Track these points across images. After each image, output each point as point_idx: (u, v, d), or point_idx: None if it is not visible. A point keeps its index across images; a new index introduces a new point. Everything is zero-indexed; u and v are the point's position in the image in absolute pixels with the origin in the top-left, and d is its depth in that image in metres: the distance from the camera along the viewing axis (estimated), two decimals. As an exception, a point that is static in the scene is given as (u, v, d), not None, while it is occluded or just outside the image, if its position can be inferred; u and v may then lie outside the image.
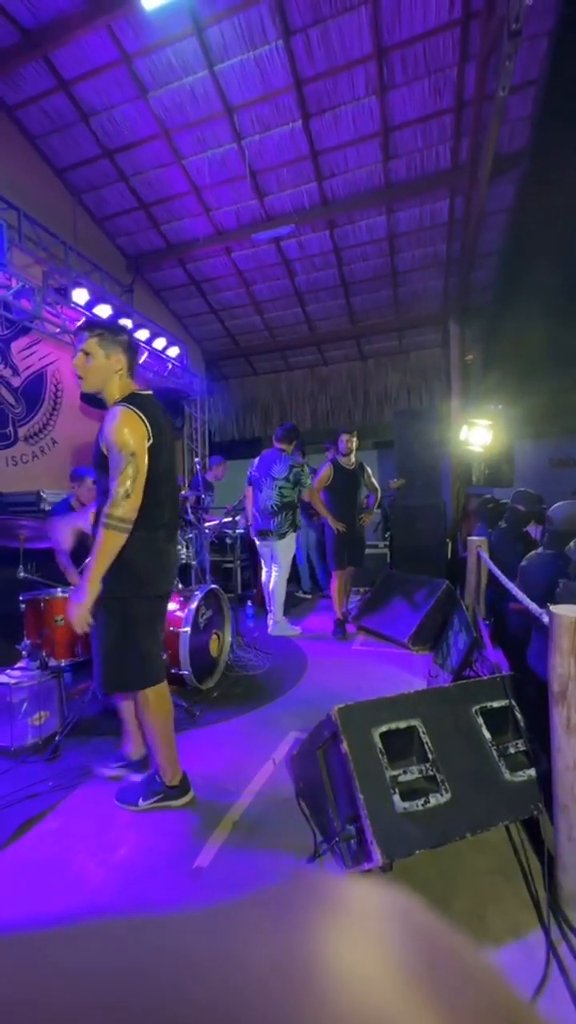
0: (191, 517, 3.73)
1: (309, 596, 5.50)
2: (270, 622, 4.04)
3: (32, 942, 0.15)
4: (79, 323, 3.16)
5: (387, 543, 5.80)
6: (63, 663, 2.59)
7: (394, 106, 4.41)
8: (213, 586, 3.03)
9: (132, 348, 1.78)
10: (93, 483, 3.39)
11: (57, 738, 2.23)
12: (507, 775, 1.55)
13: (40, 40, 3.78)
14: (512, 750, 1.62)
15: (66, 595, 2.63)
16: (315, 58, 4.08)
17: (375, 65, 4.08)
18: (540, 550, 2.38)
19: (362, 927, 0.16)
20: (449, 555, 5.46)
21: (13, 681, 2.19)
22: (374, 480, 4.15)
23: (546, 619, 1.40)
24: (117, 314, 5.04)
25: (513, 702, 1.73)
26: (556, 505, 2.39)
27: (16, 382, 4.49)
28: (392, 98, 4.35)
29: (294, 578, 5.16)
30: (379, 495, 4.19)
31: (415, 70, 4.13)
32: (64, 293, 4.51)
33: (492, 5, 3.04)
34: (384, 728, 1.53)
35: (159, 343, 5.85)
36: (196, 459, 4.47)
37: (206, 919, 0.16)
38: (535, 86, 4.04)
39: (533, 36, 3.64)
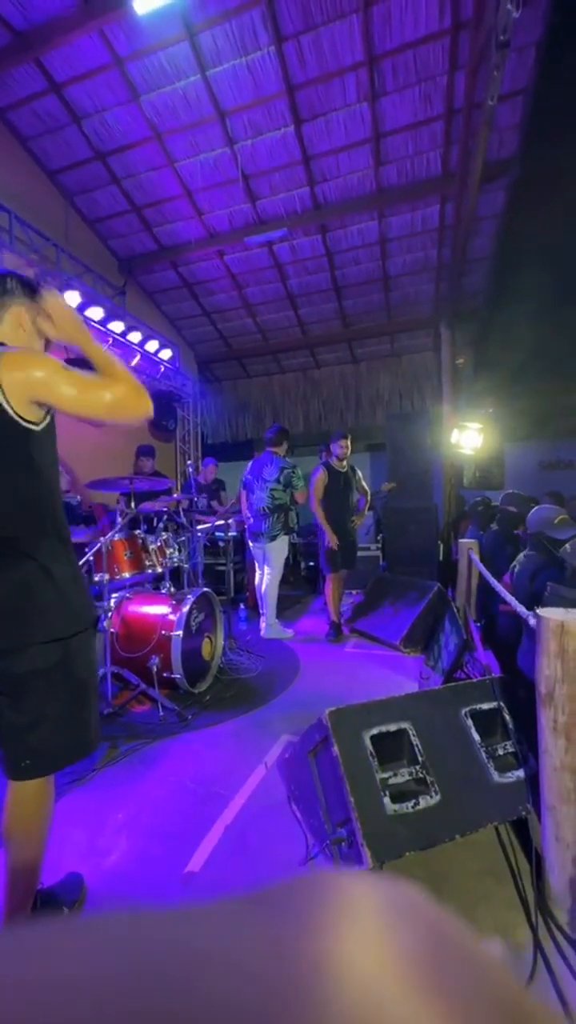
0: (183, 520, 3.73)
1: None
2: (263, 625, 4.04)
3: (31, 941, 0.15)
4: None
5: (379, 545, 5.83)
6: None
7: (385, 113, 4.45)
8: (205, 589, 3.03)
9: None
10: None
11: (48, 743, 2.22)
12: (496, 777, 1.57)
13: (31, 42, 3.77)
14: (501, 752, 1.64)
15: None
16: (307, 64, 4.11)
17: (366, 72, 4.12)
18: (526, 551, 2.42)
19: (367, 918, 0.15)
20: (441, 557, 5.50)
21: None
22: (364, 483, 4.18)
23: (533, 621, 1.42)
24: (109, 316, 5.03)
25: (502, 704, 1.75)
26: (534, 509, 2.45)
27: (7, 384, 4.45)
28: (383, 105, 4.39)
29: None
30: (369, 497, 4.22)
31: (406, 77, 4.17)
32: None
33: (481, 16, 3.09)
34: (375, 731, 1.55)
35: (151, 345, 5.84)
36: (189, 462, 4.46)
37: (208, 913, 0.16)
38: (523, 95, 4.09)
39: (521, 47, 3.70)
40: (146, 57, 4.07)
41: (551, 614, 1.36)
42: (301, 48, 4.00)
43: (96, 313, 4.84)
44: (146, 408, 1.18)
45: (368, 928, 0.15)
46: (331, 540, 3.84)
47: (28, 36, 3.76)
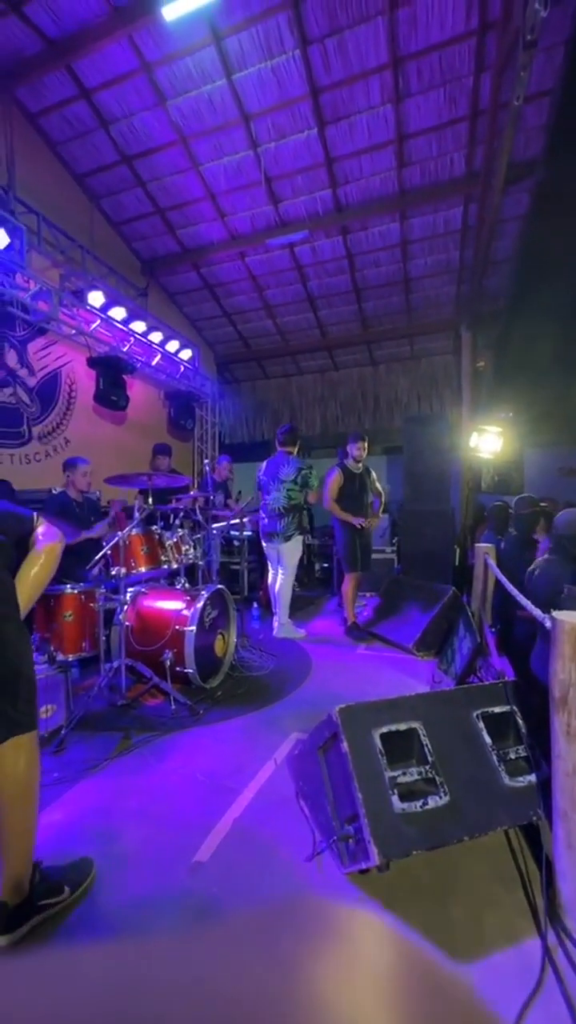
0: (200, 517, 3.77)
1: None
2: (275, 624, 4.06)
3: (35, 963, 0.15)
4: None
5: (394, 548, 5.80)
6: (71, 658, 2.64)
7: (409, 114, 4.44)
8: (219, 586, 3.06)
9: None
10: (87, 469, 3.39)
11: (63, 732, 2.27)
12: (507, 780, 1.55)
13: (63, 49, 3.88)
14: (513, 755, 1.62)
15: (75, 591, 2.69)
16: (331, 67, 4.13)
17: (391, 74, 4.12)
18: (546, 556, 2.38)
19: (355, 956, 0.16)
20: (457, 562, 5.44)
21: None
22: (379, 484, 4.17)
23: (548, 624, 1.40)
24: (131, 316, 5.13)
25: (515, 708, 1.73)
26: (561, 512, 2.41)
27: (32, 382, 4.57)
28: (407, 106, 4.38)
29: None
30: (384, 499, 4.20)
31: (431, 79, 4.16)
32: (80, 295, 4.60)
33: (508, 16, 3.07)
34: (384, 729, 1.54)
35: (172, 345, 5.93)
36: (206, 461, 4.51)
37: (204, 943, 0.17)
38: (550, 96, 4.04)
39: (549, 47, 3.65)
40: (173, 62, 4.14)
41: (567, 617, 1.34)
42: (326, 51, 4.03)
43: (119, 313, 4.94)
44: None
45: (358, 963, 0.16)
46: (355, 520, 3.85)
47: (60, 44, 3.87)
